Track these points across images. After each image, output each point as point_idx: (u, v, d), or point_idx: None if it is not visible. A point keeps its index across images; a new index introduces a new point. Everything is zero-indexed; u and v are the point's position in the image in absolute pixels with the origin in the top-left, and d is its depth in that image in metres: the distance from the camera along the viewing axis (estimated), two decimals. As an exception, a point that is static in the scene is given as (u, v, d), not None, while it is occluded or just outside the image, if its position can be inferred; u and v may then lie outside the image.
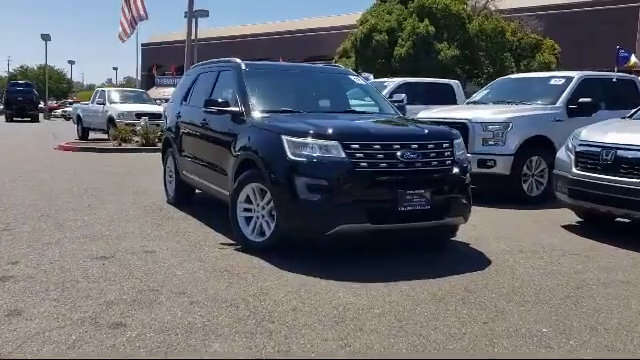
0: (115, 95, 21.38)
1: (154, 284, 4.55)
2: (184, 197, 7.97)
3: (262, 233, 5.48)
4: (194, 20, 22.63)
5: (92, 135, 21.67)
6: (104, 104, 20.48)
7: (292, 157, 5.04)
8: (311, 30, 51.95)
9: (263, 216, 5.46)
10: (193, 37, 20.84)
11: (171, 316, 3.91)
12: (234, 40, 55.66)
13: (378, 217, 4.97)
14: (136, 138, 17.87)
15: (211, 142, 6.60)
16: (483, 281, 4.85)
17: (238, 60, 6.79)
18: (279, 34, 54.16)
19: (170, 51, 61.65)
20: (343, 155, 4.95)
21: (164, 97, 32.73)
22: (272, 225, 5.35)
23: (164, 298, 4.24)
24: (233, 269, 5.00)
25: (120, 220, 6.93)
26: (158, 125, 18.46)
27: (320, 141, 5.02)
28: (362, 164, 4.95)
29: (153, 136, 17.54)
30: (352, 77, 7.13)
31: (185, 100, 7.84)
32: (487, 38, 25.50)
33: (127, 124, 18.72)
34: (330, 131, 5.13)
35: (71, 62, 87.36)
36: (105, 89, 22.91)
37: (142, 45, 64.06)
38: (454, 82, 14.13)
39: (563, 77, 9.72)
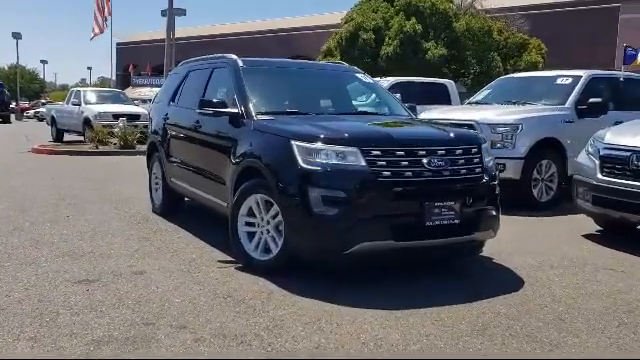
0: (91, 95, 20.52)
1: (149, 315, 3.90)
2: (172, 206, 7.31)
3: (267, 250, 4.86)
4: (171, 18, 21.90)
5: (67, 137, 20.79)
6: (80, 105, 19.62)
7: (304, 165, 4.42)
8: (294, 29, 51.27)
9: (268, 231, 4.84)
10: (166, 36, 20.21)
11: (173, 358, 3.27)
12: (214, 39, 54.63)
13: (403, 233, 4.37)
14: (114, 140, 17.08)
15: (205, 147, 5.96)
16: (523, 306, 4.28)
17: (234, 56, 6.16)
18: (260, 33, 53.37)
19: (146, 50, 60.60)
20: (363, 163, 4.35)
21: (142, 97, 31.85)
22: (279, 242, 4.73)
23: (162, 334, 3.59)
24: (237, 294, 4.37)
25: (103, 234, 6.24)
26: (136, 126, 17.80)
27: (336, 147, 4.42)
28: (384, 173, 4.35)
29: (132, 138, 16.78)
30: (359, 75, 6.52)
31: (173, 100, 7.18)
32: (474, 37, 25.10)
33: (104, 126, 17.91)
34: (347, 135, 4.53)
35: (43, 61, 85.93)
36: (80, 89, 22.01)
37: (117, 44, 62.92)
38: (448, 82, 13.64)
39: (570, 76, 9.23)
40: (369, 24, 25.49)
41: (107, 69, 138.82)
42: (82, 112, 19.18)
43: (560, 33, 31.45)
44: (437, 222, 4.43)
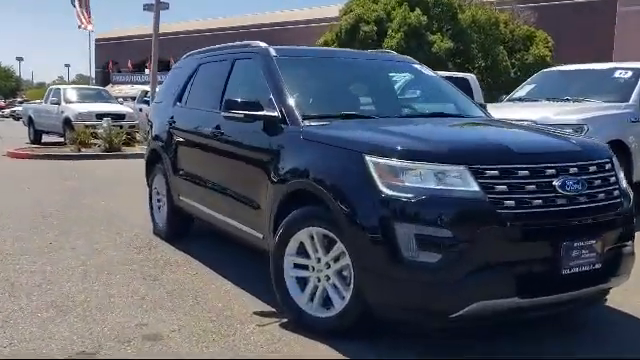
0: (72, 93, 18.99)
1: None
2: (179, 228, 6.00)
3: (327, 303, 3.59)
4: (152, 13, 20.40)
5: (46, 138, 19.27)
6: (59, 104, 18.12)
7: (386, 190, 3.15)
8: (283, 24, 49.76)
9: (328, 278, 3.57)
10: (153, 31, 18.70)
11: None
12: (200, 34, 52.82)
13: (531, 287, 3.12)
14: (98, 142, 15.64)
15: (229, 159, 4.68)
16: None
17: (262, 44, 4.87)
18: (245, 28, 51.76)
19: (126, 47, 58.79)
20: (475, 187, 3.08)
21: (125, 95, 30.28)
22: (346, 293, 3.46)
23: None
24: (297, 373, 3.09)
25: (97, 270, 4.92)
26: (122, 127, 16.41)
27: (435, 165, 3.15)
28: (507, 202, 3.09)
29: (118, 140, 15.38)
30: (417, 66, 5.25)
31: (180, 100, 5.86)
32: (481, 30, 23.93)
33: (86, 126, 16.46)
34: (449, 148, 3.28)
35: (19, 59, 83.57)
36: (60, 87, 20.48)
37: (96, 40, 61.09)
38: (469, 76, 12.39)
39: (630, 69, 8.05)
40: (370, 16, 24.19)
41: (85, 66, 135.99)
42: (62, 112, 17.70)
43: (560, 26, 30.43)
44: (576, 269, 3.18)
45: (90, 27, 29.40)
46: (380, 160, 3.23)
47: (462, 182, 3.10)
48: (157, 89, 20.18)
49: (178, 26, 54.68)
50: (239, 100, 4.17)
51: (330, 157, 3.55)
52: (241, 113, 4.14)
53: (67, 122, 17.17)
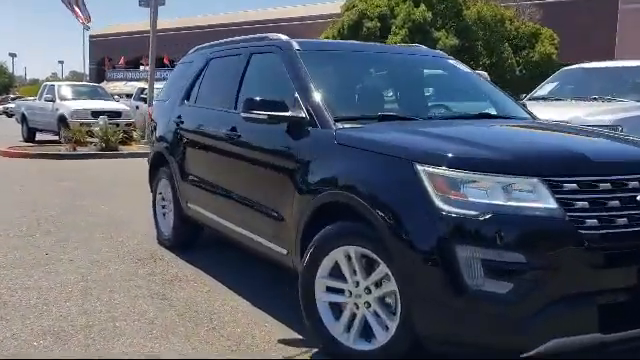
0: (66, 90, 18.43)
1: None
2: (187, 237, 5.55)
3: (367, 334, 3.12)
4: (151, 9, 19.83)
5: (39, 136, 18.71)
6: (54, 101, 17.57)
7: (444, 206, 2.69)
8: (278, 20, 49.18)
9: (368, 304, 3.10)
10: (149, 27, 18.14)
11: None
12: (190, 31, 52.28)
13: (616, 320, 2.66)
14: (94, 141, 15.11)
15: (247, 164, 4.20)
16: None
17: (283, 36, 4.40)
18: (237, 25, 51.20)
19: (121, 43, 58.12)
20: (552, 204, 2.62)
21: (120, 92, 29.70)
22: (391, 323, 3.00)
23: None
24: None
25: (99, 287, 4.44)
26: (118, 125, 15.90)
27: (504, 177, 2.68)
28: (589, 221, 2.63)
29: (114, 139, 14.85)
30: (451, 61, 4.78)
31: (187, 98, 5.38)
32: (486, 26, 23.46)
33: (82, 124, 15.93)
34: (519, 157, 2.81)
35: (12, 55, 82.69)
36: (54, 83, 19.91)
37: (90, 37, 60.32)
38: (482, 73, 11.98)
39: (662, 66, 7.60)
40: (373, 12, 23.67)
41: (79, 63, 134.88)
42: (57, 109, 17.15)
43: (560, 23, 30.00)
44: (665, 298, 2.72)
45: (82, 20, 28.84)
46: (435, 170, 2.76)
47: (536, 197, 2.63)
48: (156, 86, 19.71)
49: (169, 23, 54.04)
50: (261, 99, 3.68)
51: (373, 165, 3.07)
52: (264, 114, 3.66)
53: (62, 120, 16.64)
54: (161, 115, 5.85)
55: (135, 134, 17.48)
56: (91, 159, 13.75)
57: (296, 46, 4.14)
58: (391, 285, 2.95)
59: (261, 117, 3.68)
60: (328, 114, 3.56)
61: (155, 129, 5.93)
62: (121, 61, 54.74)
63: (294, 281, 3.48)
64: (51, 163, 12.84)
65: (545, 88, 8.50)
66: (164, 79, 18.26)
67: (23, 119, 19.26)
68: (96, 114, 16.19)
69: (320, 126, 3.53)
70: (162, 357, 3.24)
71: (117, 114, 16.99)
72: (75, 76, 77.42)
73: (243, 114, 3.77)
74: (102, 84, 46.22)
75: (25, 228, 6.30)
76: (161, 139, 5.66)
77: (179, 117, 5.30)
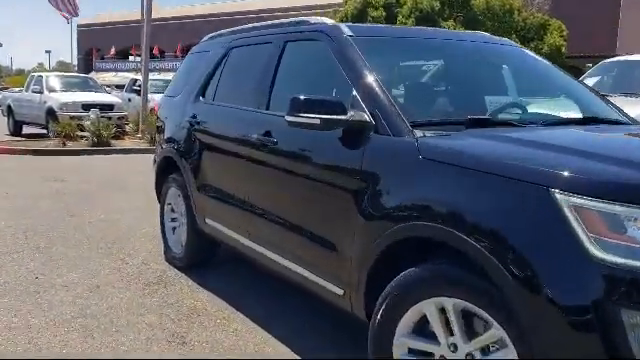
0: (55, 81, 17.46)
1: None
2: (202, 256, 4.77)
3: (468, 414, 2.34)
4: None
5: (26, 130, 17.76)
6: (42, 92, 16.62)
7: (602, 254, 1.93)
8: (274, 10, 48.09)
9: (470, 376, 2.32)
10: (139, 17, 17.26)
11: None
12: (181, 21, 51.08)
13: None
14: (85, 135, 14.23)
15: (287, 177, 3.40)
16: None
17: (328, 20, 3.60)
18: (230, 15, 50.13)
19: (109, 33, 56.78)
20: None
21: (110, 83, 28.70)
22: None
23: None
24: None
25: (100, 324, 3.66)
26: (110, 119, 15.02)
27: (690, 215, 1.91)
28: None
29: (107, 133, 13.96)
30: (529, 52, 4.00)
31: (203, 94, 4.57)
32: (494, 17, 22.67)
33: (72, 117, 15.04)
34: None
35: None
36: (42, 74, 18.93)
37: (78, 26, 59.04)
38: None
39: None
40: (379, 0, 22.80)
41: (67, 53, 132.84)
42: (45, 101, 16.21)
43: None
44: None
45: (68, 15, 27.79)
46: (587, 202, 1.98)
47: None
48: (150, 76, 18.78)
49: (158, 12, 52.80)
50: (312, 99, 2.89)
51: (484, 191, 2.28)
52: (316, 118, 2.85)
53: (50, 113, 15.71)
54: (171, 113, 5.04)
55: (128, 128, 16.61)
56: (82, 155, 12.87)
57: (347, 31, 3.34)
58: (509, 354, 2.18)
59: (312, 122, 2.87)
60: (402, 118, 2.76)
61: (163, 129, 5.12)
62: (111, 51, 53.51)
63: (344, 317, 2.71)
64: (39, 160, 11.95)
65: (587, 83, 7.73)
66: (153, 70, 17.48)
67: (9, 111, 18.31)
68: (87, 107, 15.28)
69: (392, 133, 2.74)
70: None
71: (109, 107, 16.09)
72: (62, 66, 75.92)
73: (288, 117, 2.96)
74: (90, 75, 45.19)
75: (10, 242, 5.48)
76: (171, 141, 4.85)
77: (194, 116, 4.49)
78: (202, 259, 4.77)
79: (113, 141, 14.30)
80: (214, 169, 4.22)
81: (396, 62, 3.47)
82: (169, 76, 25.94)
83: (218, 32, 4.92)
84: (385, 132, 2.76)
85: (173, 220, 5.02)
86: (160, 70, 38.23)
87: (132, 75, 31.98)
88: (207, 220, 4.33)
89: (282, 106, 3.56)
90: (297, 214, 3.30)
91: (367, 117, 2.84)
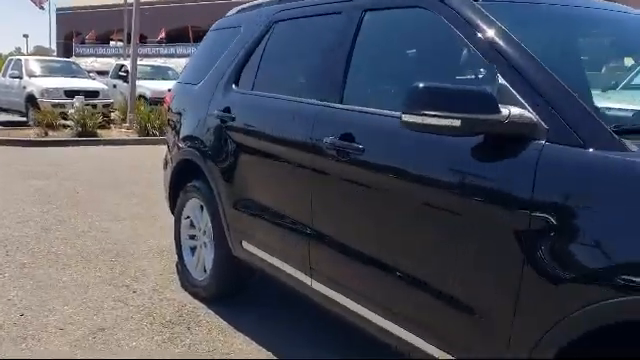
0: (35, 66, 16.22)
1: None
2: (234, 285, 3.78)
3: None
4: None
5: (4, 117, 16.49)
6: (21, 77, 15.42)
7: None
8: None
9: None
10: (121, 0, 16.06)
11: None
12: (180, 4, 49.04)
13: None
14: (68, 124, 13.09)
15: (387, 203, 2.38)
16: None
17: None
18: None
19: (90, 17, 54.96)
20: None
21: (93, 69, 27.32)
22: None
23: None
24: None
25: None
26: (95, 106, 13.91)
27: None
28: None
29: (93, 122, 12.83)
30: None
31: (236, 82, 3.56)
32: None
33: (54, 105, 13.89)
34: None
35: (-26, 27, 78.01)
36: (22, 57, 17.69)
37: (57, 10, 57.28)
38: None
39: None
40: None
41: (45, 37, 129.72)
42: (24, 87, 15.02)
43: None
44: None
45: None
46: None
47: None
48: (140, 62, 17.64)
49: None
50: (450, 89, 1.92)
51: None
52: (456, 117, 1.87)
53: (30, 99, 14.53)
54: (190, 105, 4.02)
55: (114, 116, 15.46)
56: (66, 146, 11.73)
57: (475, -7, 2.36)
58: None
59: (448, 124, 1.89)
60: (599, 121, 1.80)
61: (179, 124, 4.10)
62: (91, 35, 51.78)
63: None
64: (18, 152, 10.81)
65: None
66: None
67: (-16, 98, 17.03)
68: (70, 93, 14.19)
69: (582, 144, 1.77)
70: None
71: (94, 94, 14.97)
72: (41, 51, 73.75)
73: (407, 117, 1.98)
74: (71, 60, 43.50)
75: (-13, 260, 4.45)
76: (192, 140, 3.84)
77: (226, 110, 3.48)
78: (233, 290, 3.79)
79: (99, 131, 13.18)
80: (258, 180, 3.23)
81: (551, 39, 2.49)
82: (155, 62, 24.78)
83: (251, 3, 3.90)
84: (569, 141, 1.79)
85: (192, 238, 4.02)
86: (142, 56, 36.83)
87: (114, 61, 30.71)
88: (245, 244, 3.35)
89: (364, 98, 2.61)
90: (402, 255, 2.32)
91: (534, 117, 1.87)
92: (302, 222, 2.83)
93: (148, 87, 16.36)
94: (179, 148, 4.00)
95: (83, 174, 8.42)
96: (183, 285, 4.06)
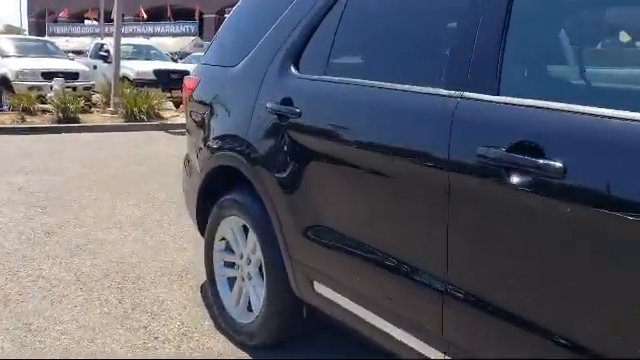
0: (9, 45, 14.94)
1: None
2: (292, 332, 2.84)
3: None
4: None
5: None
6: (-7, 58, 14.20)
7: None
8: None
9: None
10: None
11: None
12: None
13: None
14: (48, 108, 11.99)
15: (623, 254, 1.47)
16: None
17: None
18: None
19: (63, -6, 52.86)
20: None
21: (67, 49, 25.85)
22: None
23: None
24: None
25: None
26: (75, 89, 12.83)
27: None
28: None
29: (74, 107, 11.73)
30: None
31: (296, 64, 2.62)
32: None
33: (30, 88, 12.74)
34: None
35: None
36: (-7, 36, 16.40)
37: (28, -13, 55.06)
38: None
39: None
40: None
41: (15, 16, 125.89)
42: (-4, 68, 13.81)
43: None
44: None
45: None
46: None
47: None
48: (131, 41, 16.40)
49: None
50: None
51: None
52: None
53: (4, 82, 13.30)
54: (227, 94, 3.08)
55: (96, 99, 14.33)
56: (45, 134, 10.64)
57: None
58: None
59: None
60: None
61: (208, 118, 3.16)
62: (64, 13, 49.86)
63: None
64: (-6, 141, 9.72)
65: None
66: (111, 35, 15.06)
67: (-46, 80, 15.73)
68: (48, 75, 13.04)
69: None
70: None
71: (74, 75, 13.81)
72: (11, 31, 71.19)
73: None
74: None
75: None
76: (231, 141, 2.90)
77: (286, 102, 2.55)
78: (288, 336, 2.88)
79: (81, 116, 12.10)
80: (346, 201, 2.30)
81: None
82: (133, 40, 23.37)
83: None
84: None
85: (230, 266, 3.11)
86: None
87: (89, 40, 29.27)
88: (318, 287, 2.44)
89: (546, 88, 1.71)
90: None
91: None
92: (428, 269, 1.93)
93: (132, 68, 15.21)
94: (212, 150, 3.05)
95: (69, 167, 7.41)
96: (218, 325, 3.15)
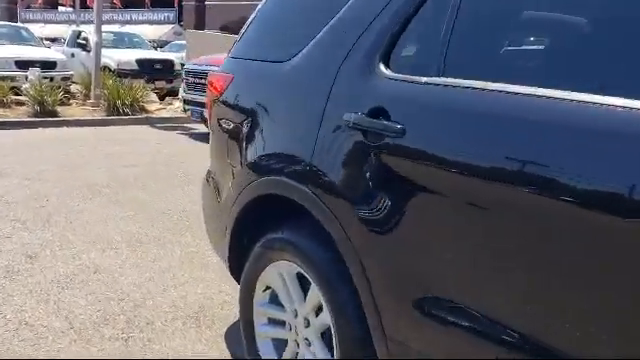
0: (-22, 32, 13.98)
1: None
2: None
3: None
4: None
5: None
6: (-39, 46, 13.19)
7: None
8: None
9: None
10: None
11: None
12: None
13: None
14: (23, 100, 11.09)
15: None
16: None
17: None
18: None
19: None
20: None
21: (40, 35, 24.62)
22: None
23: None
24: None
25: None
26: (52, 79, 11.94)
27: None
28: None
29: (52, 99, 10.84)
30: None
31: (385, 61, 1.87)
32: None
33: (3, 78, 11.81)
34: None
35: None
36: (-38, 22, 15.33)
37: (-1, -29, 53.11)
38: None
39: None
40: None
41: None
42: (-35, 57, 12.81)
43: None
44: None
45: None
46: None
47: None
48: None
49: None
50: None
51: None
52: None
53: (-26, 72, 12.35)
54: (278, 98, 2.32)
55: (75, 90, 13.39)
56: (21, 129, 9.76)
57: None
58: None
59: None
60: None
61: (248, 129, 2.39)
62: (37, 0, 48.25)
63: None
64: (-37, 137, 8.82)
65: None
66: (87, 22, 13.96)
67: None
68: (23, 64, 12.11)
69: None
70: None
71: (51, 65, 12.88)
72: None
73: None
74: (16, 26, 40.07)
75: None
76: (287, 161, 2.16)
77: (378, 113, 1.80)
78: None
79: (60, 109, 11.20)
80: (491, 266, 1.56)
81: None
82: (109, 28, 22.19)
83: None
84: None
85: (275, 324, 2.36)
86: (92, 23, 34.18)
87: (65, 27, 28.10)
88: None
89: None
90: None
91: None
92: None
93: (112, 57, 14.28)
94: (255, 172, 2.30)
95: (51, 170, 6.58)
96: (258, 397, 2.41)
